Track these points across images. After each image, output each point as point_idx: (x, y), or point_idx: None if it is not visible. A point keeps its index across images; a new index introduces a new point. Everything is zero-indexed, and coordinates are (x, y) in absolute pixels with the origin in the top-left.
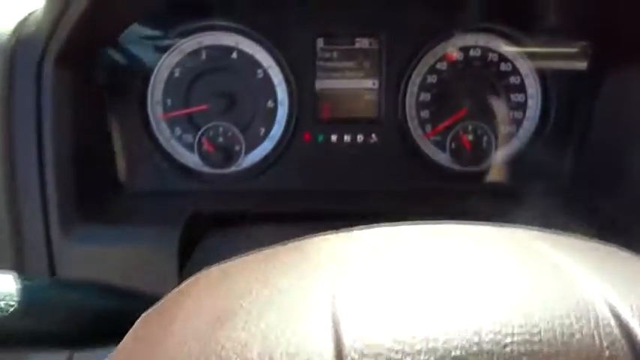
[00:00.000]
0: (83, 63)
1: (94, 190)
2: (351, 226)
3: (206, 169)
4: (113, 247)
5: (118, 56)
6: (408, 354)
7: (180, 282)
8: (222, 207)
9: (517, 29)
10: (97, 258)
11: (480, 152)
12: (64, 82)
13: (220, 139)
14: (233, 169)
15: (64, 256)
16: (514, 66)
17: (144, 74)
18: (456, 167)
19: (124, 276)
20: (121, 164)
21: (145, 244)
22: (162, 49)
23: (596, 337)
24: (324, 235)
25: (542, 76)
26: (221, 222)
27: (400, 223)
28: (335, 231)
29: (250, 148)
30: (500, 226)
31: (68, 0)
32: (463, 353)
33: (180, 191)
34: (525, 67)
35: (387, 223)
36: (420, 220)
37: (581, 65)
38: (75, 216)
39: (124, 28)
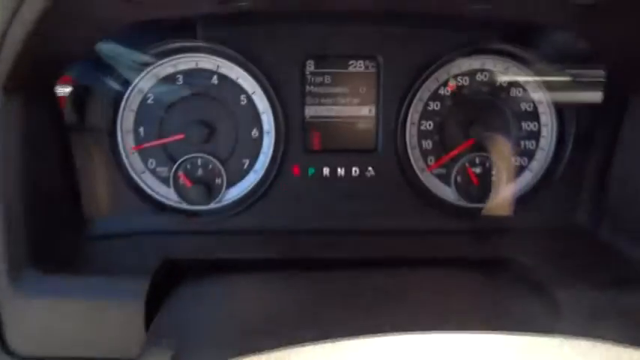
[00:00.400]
0: (38, 89)
1: (52, 232)
2: (344, 275)
3: (183, 206)
4: (70, 300)
5: (83, 80)
6: None
7: (146, 341)
8: (198, 252)
9: (528, 51)
10: (52, 312)
11: (488, 187)
12: (13, 110)
13: (199, 173)
14: (213, 205)
15: (13, 310)
16: (525, 91)
17: (113, 100)
18: (463, 203)
19: (82, 334)
20: (86, 202)
21: (107, 297)
22: (134, 73)
23: None
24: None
25: (558, 102)
26: (196, 269)
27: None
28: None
29: (232, 182)
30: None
31: (6, 25)
32: None
33: (153, 232)
34: (538, 93)
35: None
36: (425, 266)
37: (597, 93)
38: (26, 263)
39: (77, 54)
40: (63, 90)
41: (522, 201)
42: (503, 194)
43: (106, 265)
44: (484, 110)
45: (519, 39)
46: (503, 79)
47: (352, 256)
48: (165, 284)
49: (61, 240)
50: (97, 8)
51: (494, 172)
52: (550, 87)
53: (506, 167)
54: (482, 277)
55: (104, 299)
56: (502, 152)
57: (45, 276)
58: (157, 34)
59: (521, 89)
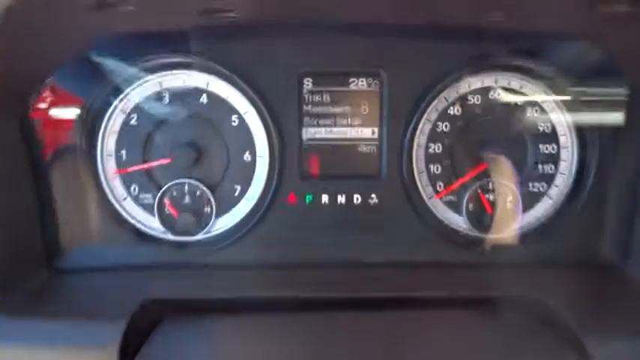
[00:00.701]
0: (8, 110)
1: (21, 265)
2: (347, 318)
3: (168, 237)
4: (36, 347)
5: (59, 98)
6: None
7: None
8: (183, 290)
9: (545, 67)
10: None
11: (503, 216)
12: None
13: (186, 200)
14: (201, 236)
15: None
16: (543, 110)
17: (92, 120)
18: (475, 234)
19: None
20: (61, 231)
21: (76, 344)
22: (117, 90)
23: None
24: None
25: (578, 122)
26: (181, 309)
27: None
28: None
29: (223, 210)
30: None
31: None
32: None
33: (134, 266)
34: (557, 112)
35: None
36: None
37: (620, 112)
38: None
39: (49, 71)
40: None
41: (541, 231)
42: (520, 223)
43: (78, 305)
44: (498, 132)
45: (535, 53)
46: (518, 97)
47: (356, 295)
48: (145, 327)
49: (31, 274)
50: (65, 19)
51: (509, 199)
52: (570, 106)
53: (523, 195)
54: (501, 323)
55: (73, 346)
56: (518, 178)
57: (8, 319)
58: (142, 49)
59: (538, 108)
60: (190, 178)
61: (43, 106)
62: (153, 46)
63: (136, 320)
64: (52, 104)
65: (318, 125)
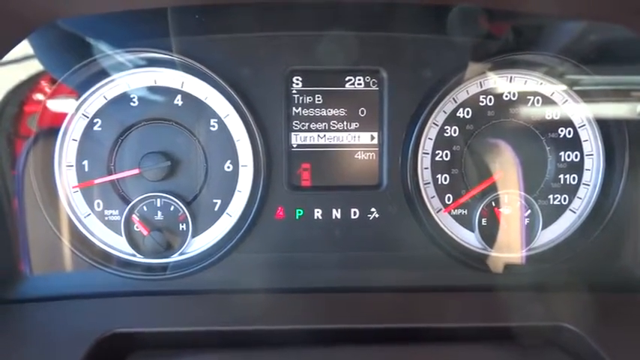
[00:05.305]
0: None
1: None
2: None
3: (137, 259)
4: None
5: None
6: None
7: None
8: (152, 320)
9: (567, 61)
10: None
11: (520, 232)
12: None
13: (158, 217)
14: (176, 258)
15: None
16: (564, 113)
17: (49, 127)
18: (488, 252)
19: None
20: (15, 255)
21: None
22: (78, 91)
23: None
24: None
25: (605, 125)
26: (151, 344)
27: None
28: None
29: (200, 228)
30: None
31: None
32: None
33: (98, 293)
34: (580, 114)
35: None
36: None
37: None
38: None
39: None
40: None
41: (564, 249)
42: (538, 241)
43: (27, 341)
44: (513, 137)
45: (558, 46)
46: (536, 98)
47: (352, 327)
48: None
49: None
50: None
51: (527, 214)
52: (595, 108)
53: (542, 209)
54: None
55: None
56: (536, 190)
57: None
58: (106, 44)
59: (558, 112)
60: (163, 191)
61: None
62: (119, 40)
63: (94, 358)
64: None
65: (309, 130)
